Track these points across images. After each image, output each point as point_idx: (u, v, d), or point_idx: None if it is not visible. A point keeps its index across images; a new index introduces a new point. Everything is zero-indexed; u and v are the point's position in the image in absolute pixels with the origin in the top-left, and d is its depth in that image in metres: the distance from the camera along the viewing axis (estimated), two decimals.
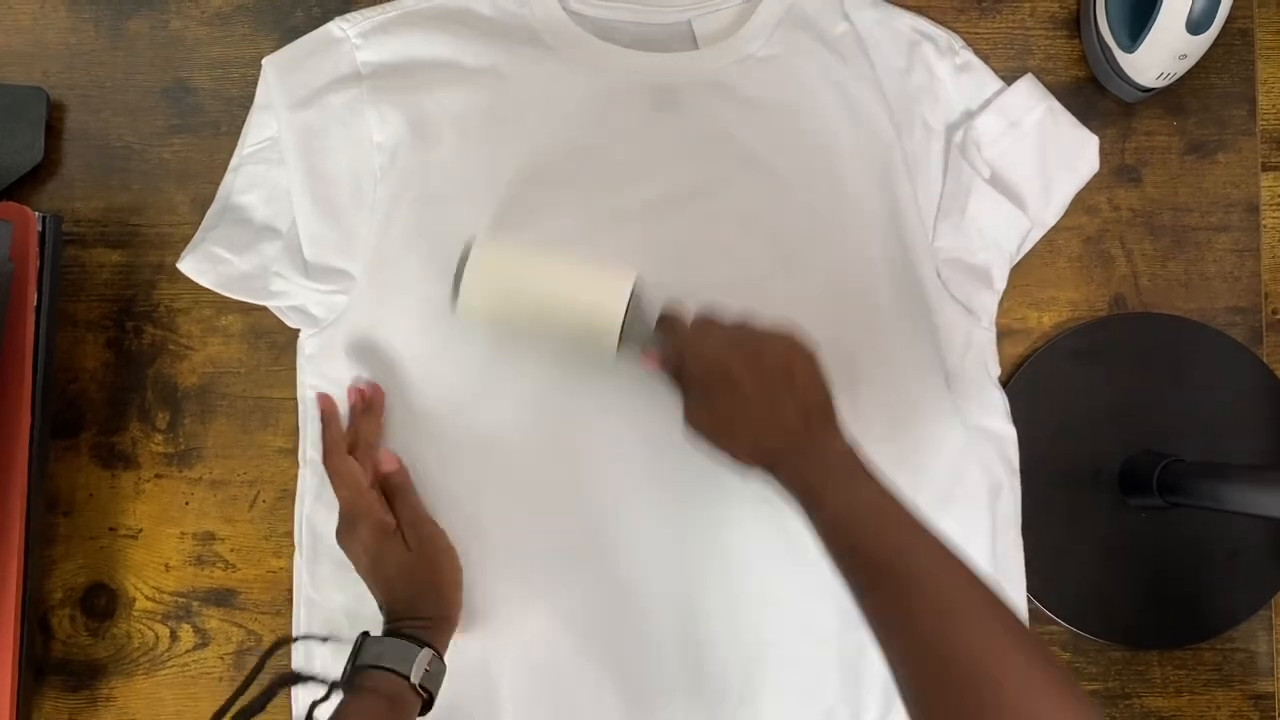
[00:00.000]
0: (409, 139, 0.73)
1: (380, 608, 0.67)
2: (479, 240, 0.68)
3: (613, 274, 0.67)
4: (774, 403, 0.62)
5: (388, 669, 0.62)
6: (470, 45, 0.74)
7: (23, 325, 0.71)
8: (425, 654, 0.63)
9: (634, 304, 0.66)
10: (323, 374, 0.74)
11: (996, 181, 0.75)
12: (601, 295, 0.67)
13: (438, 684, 0.64)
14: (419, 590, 0.66)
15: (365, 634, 0.64)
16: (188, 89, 0.78)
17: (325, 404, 0.72)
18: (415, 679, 0.62)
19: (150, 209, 0.77)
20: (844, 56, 0.76)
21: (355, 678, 0.62)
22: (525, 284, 0.67)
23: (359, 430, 0.71)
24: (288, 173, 0.73)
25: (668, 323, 0.67)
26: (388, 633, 0.64)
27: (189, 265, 0.72)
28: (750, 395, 0.63)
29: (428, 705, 0.63)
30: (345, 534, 0.67)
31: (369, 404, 0.72)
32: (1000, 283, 0.76)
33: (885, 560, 0.56)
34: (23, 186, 0.76)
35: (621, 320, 0.66)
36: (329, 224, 0.72)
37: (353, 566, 0.68)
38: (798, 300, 0.73)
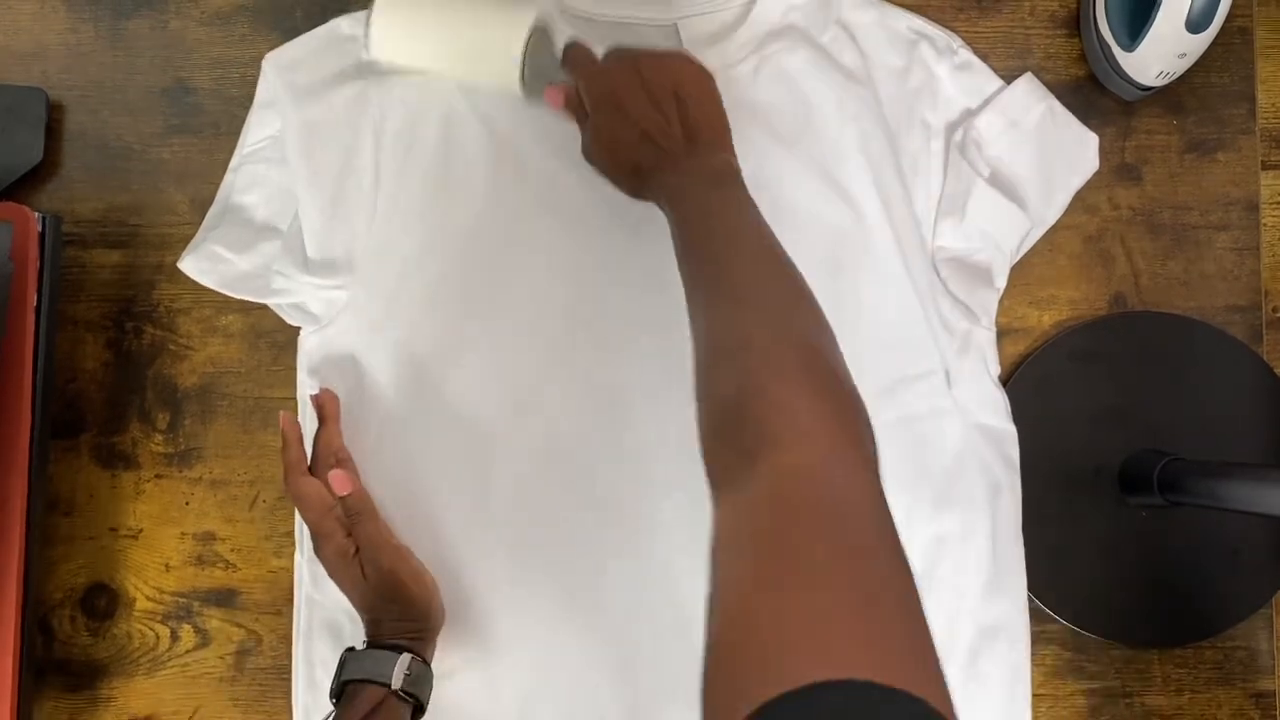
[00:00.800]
0: (410, 135, 0.73)
1: (362, 621, 0.67)
2: None
3: (515, 12, 0.68)
4: (659, 119, 0.62)
5: (370, 681, 0.62)
6: None
7: (23, 325, 0.71)
8: (404, 659, 0.63)
9: (535, 40, 0.67)
10: (322, 372, 0.74)
11: (996, 180, 0.75)
12: (502, 31, 0.67)
13: (424, 688, 0.64)
14: (390, 607, 0.66)
15: (350, 649, 0.65)
16: (188, 89, 0.78)
17: (285, 424, 0.70)
18: (396, 685, 0.62)
19: (150, 209, 0.77)
20: (834, 61, 0.76)
21: (343, 695, 0.63)
22: (430, 25, 0.68)
23: (316, 445, 0.70)
24: (291, 168, 0.73)
25: (572, 58, 0.67)
26: (369, 645, 0.65)
27: (190, 265, 0.72)
28: (634, 114, 0.63)
29: (420, 711, 0.64)
30: (317, 552, 0.67)
31: (323, 415, 0.71)
32: (1001, 281, 0.76)
33: (708, 258, 0.56)
34: (22, 186, 0.76)
35: (521, 57, 0.67)
36: (332, 220, 0.72)
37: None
38: None
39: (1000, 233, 0.76)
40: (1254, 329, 0.79)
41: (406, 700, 0.63)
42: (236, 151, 0.74)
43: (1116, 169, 0.80)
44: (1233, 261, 0.80)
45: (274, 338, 0.77)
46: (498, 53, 0.68)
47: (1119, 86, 0.78)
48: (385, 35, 0.68)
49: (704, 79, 0.65)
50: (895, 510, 0.76)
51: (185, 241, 0.74)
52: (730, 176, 0.61)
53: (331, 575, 0.67)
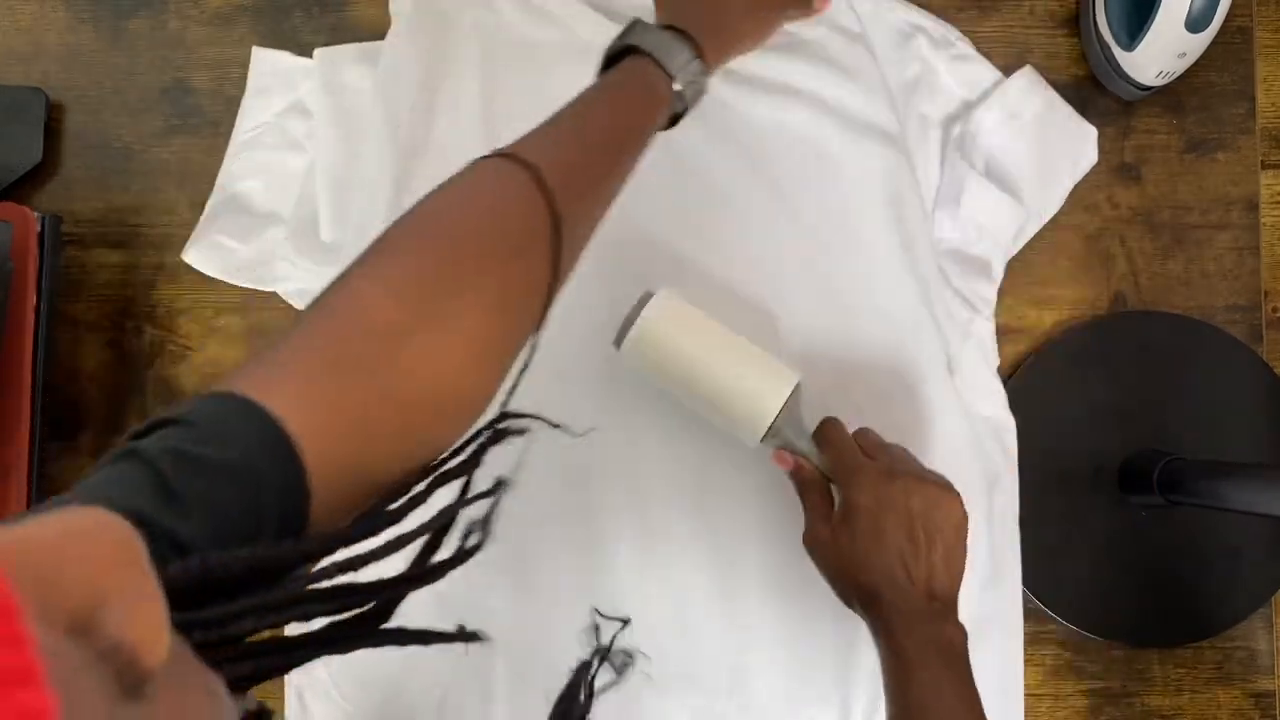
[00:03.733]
0: (429, 106, 0.73)
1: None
2: (662, 292, 0.67)
3: (779, 368, 0.67)
4: (911, 564, 0.61)
5: (656, 60, 0.53)
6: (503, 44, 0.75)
7: (22, 325, 0.71)
8: (698, 64, 0.54)
9: (790, 404, 0.66)
10: None
11: (994, 173, 0.76)
12: (763, 385, 0.66)
13: (696, 102, 0.56)
14: None
15: (637, 20, 0.55)
16: (187, 89, 0.78)
17: None
18: (680, 85, 0.54)
19: (150, 209, 0.77)
20: (848, 47, 0.75)
21: (617, 58, 0.54)
22: (694, 346, 0.67)
23: None
24: (316, 153, 0.73)
25: (829, 438, 0.65)
26: (662, 26, 0.55)
27: (194, 256, 0.73)
28: (890, 544, 0.61)
29: (674, 123, 0.56)
30: None
31: None
32: (998, 273, 0.76)
33: None
34: (22, 187, 0.76)
35: (773, 417, 0.65)
36: (347, 199, 0.73)
37: None
38: (804, 292, 0.74)
39: (995, 225, 0.76)
40: (1254, 329, 0.79)
41: (678, 106, 0.54)
42: (232, 140, 0.75)
43: (1116, 168, 0.80)
44: (1233, 261, 0.80)
45: (273, 339, 0.76)
46: (751, 407, 0.66)
47: (1119, 86, 0.78)
48: (642, 345, 0.66)
49: (964, 528, 0.62)
50: None
51: (185, 241, 0.74)
52: (963, 659, 0.59)
53: None
